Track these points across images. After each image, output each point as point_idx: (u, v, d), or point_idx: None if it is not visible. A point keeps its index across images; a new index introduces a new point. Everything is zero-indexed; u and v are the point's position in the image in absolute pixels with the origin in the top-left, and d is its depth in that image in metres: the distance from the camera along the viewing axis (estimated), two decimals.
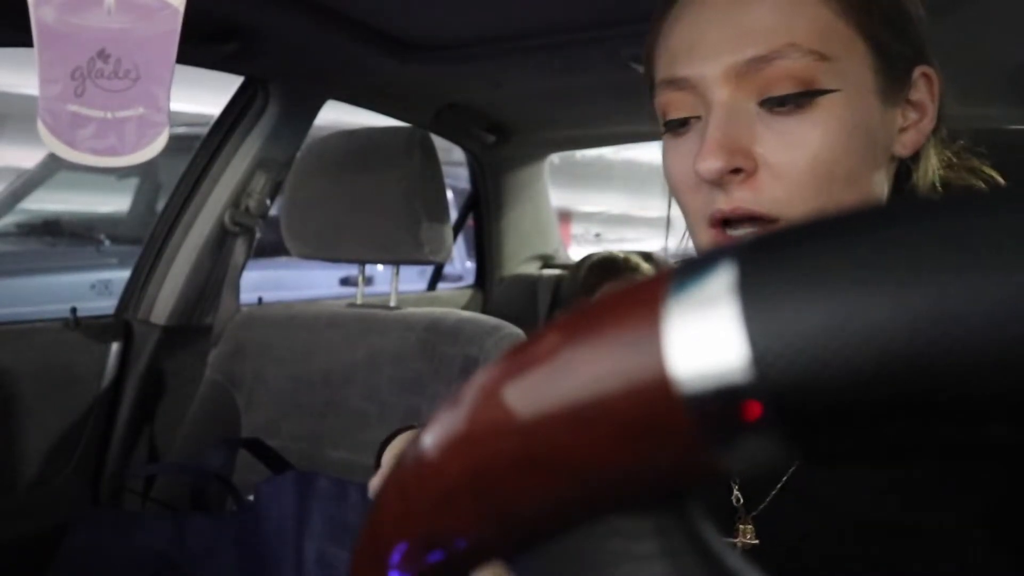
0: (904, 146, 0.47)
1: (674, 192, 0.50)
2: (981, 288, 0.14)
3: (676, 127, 0.48)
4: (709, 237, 0.47)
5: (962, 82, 0.50)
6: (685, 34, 0.46)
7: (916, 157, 0.49)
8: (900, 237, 0.15)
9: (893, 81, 0.46)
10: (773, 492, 0.48)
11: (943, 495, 0.42)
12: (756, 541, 0.47)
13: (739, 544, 0.48)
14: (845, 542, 0.43)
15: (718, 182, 0.44)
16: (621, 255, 1.92)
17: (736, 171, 0.43)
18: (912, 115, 0.47)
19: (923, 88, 0.48)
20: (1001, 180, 0.49)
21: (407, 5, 1.06)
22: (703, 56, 0.45)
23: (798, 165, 0.43)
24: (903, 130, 0.47)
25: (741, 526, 0.48)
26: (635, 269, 1.86)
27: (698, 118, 0.47)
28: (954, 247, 0.14)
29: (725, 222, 0.45)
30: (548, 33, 1.14)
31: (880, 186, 0.47)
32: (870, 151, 0.45)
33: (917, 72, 0.47)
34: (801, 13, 0.43)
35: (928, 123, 0.48)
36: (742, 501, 0.49)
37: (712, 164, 0.43)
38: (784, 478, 0.47)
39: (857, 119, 0.43)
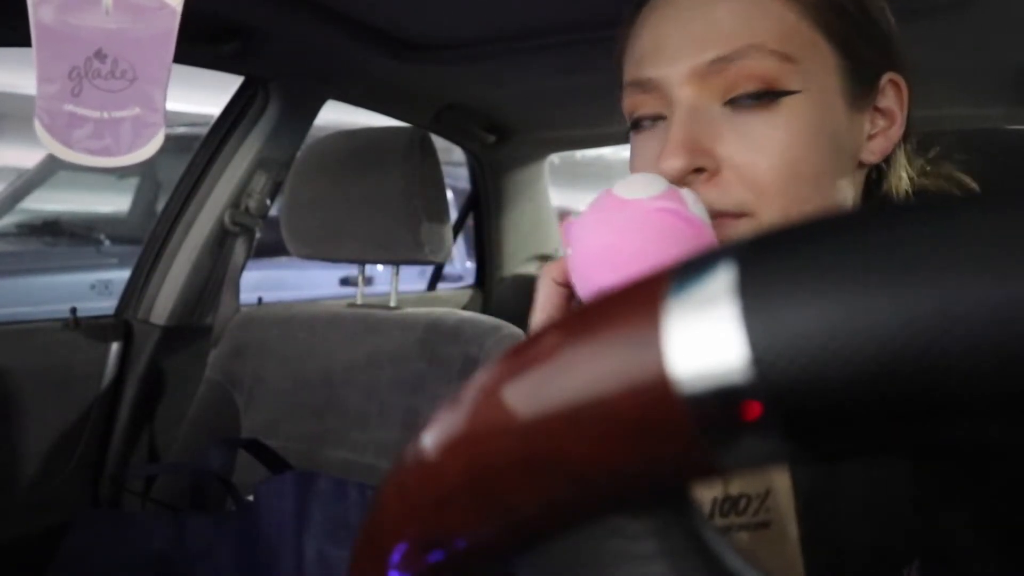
0: (872, 153, 0.47)
1: None
2: (982, 288, 0.14)
3: (641, 127, 0.48)
4: None
5: (962, 82, 0.50)
6: (650, 37, 0.47)
7: (887, 164, 0.49)
8: (901, 237, 0.15)
9: (860, 86, 0.45)
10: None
11: (946, 490, 0.42)
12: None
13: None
14: (845, 530, 0.43)
15: (682, 181, 0.43)
16: None
17: (699, 171, 0.44)
18: (881, 122, 0.47)
19: (891, 95, 0.47)
20: (975, 185, 0.48)
21: (407, 5, 1.06)
22: (667, 57, 0.45)
23: (761, 165, 0.43)
24: (871, 137, 0.47)
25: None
26: None
27: (664, 118, 0.47)
28: (955, 247, 0.14)
29: None
30: (548, 33, 1.14)
31: (846, 191, 0.46)
32: (835, 155, 0.44)
33: (885, 79, 0.47)
34: (764, 15, 0.43)
35: (897, 130, 0.47)
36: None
37: (674, 163, 0.43)
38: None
39: (822, 122, 0.43)
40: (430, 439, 0.21)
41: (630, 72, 0.48)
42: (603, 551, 0.19)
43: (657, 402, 0.16)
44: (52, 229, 3.07)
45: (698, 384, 0.16)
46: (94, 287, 2.65)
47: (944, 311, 0.14)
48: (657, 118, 0.47)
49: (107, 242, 2.97)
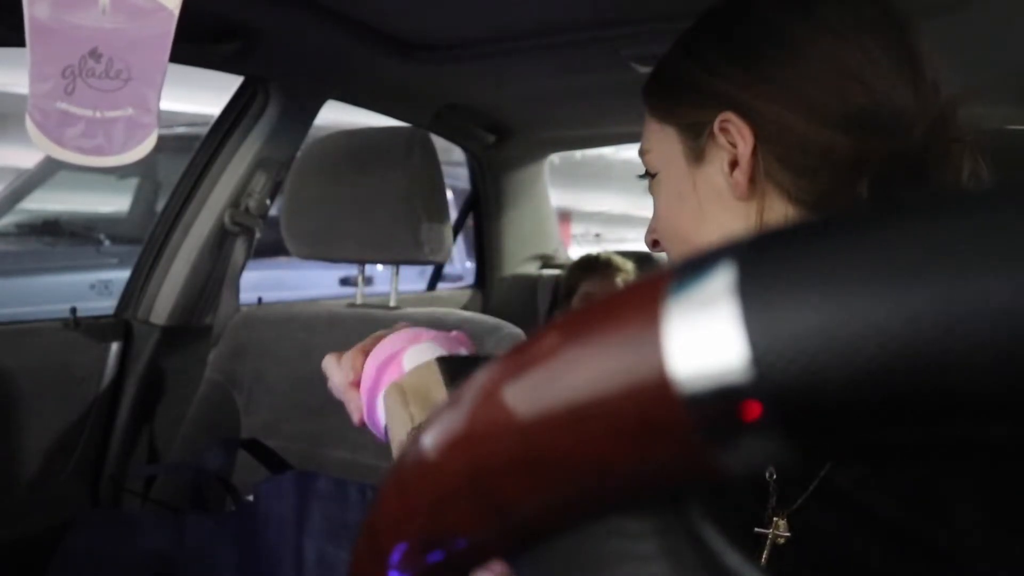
0: (736, 186, 0.51)
1: None
2: (983, 287, 0.14)
3: None
4: None
5: (963, 82, 0.50)
6: None
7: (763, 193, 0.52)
8: (901, 236, 0.15)
9: (696, 145, 0.54)
10: (811, 487, 0.48)
11: (977, 512, 0.41)
12: (788, 534, 0.48)
13: (771, 536, 0.49)
14: (877, 547, 0.43)
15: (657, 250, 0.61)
16: (603, 255, 1.92)
17: (656, 242, 0.60)
18: (727, 158, 0.51)
19: (726, 134, 0.51)
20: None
21: (407, 5, 1.06)
22: None
23: (658, 229, 0.59)
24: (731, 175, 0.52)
25: (775, 519, 0.49)
26: (616, 268, 1.86)
27: None
28: (955, 246, 0.14)
29: None
30: (548, 33, 1.14)
31: (733, 226, 0.52)
32: (696, 209, 0.54)
33: (715, 126, 0.51)
34: (646, 127, 0.59)
35: (739, 163, 0.50)
36: (776, 493, 0.49)
37: (646, 241, 0.61)
38: (821, 475, 0.48)
39: (676, 189, 0.55)
40: (430, 439, 0.21)
41: None
42: (603, 551, 0.19)
43: (657, 402, 0.16)
44: (52, 229, 3.07)
45: (698, 384, 0.16)
46: (94, 287, 2.65)
47: (945, 309, 0.14)
48: None
49: (107, 242, 2.98)
